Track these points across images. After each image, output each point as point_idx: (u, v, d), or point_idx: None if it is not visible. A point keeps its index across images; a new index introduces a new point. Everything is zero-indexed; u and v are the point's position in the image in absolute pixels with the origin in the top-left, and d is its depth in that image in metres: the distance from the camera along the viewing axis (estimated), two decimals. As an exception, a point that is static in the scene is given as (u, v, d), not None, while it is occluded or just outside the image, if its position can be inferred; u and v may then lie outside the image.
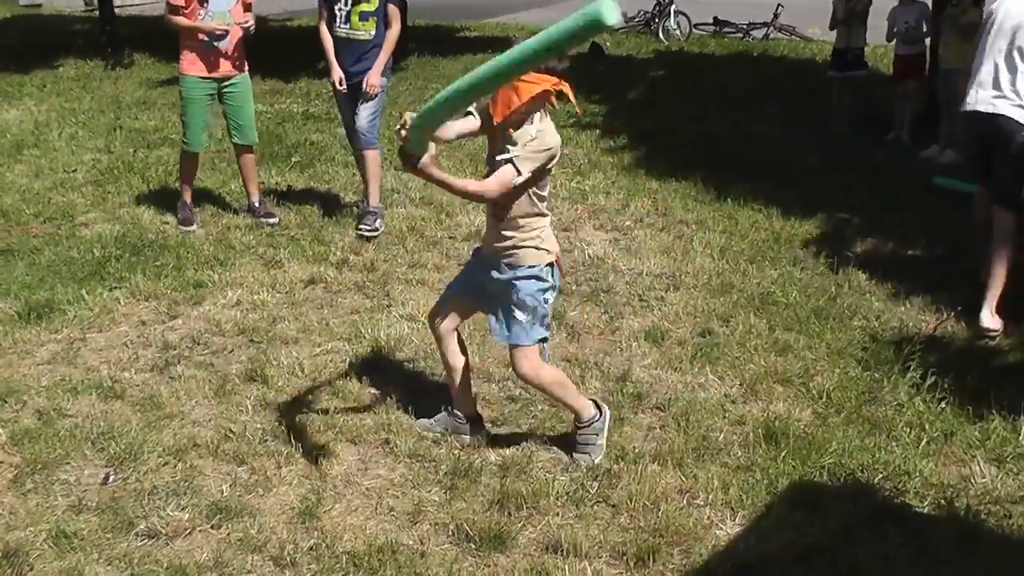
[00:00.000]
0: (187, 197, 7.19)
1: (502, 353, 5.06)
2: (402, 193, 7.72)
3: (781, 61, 14.57)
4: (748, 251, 6.51)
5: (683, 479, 4.04)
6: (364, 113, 6.81)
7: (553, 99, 3.85)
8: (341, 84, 6.77)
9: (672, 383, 4.82)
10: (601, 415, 4.20)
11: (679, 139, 9.40)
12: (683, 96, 11.56)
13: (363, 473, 4.10)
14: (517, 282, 3.97)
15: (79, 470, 4.17)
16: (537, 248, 3.97)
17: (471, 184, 4.00)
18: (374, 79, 6.68)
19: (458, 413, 4.36)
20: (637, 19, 17.38)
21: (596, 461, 4.15)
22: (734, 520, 3.82)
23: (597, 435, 4.19)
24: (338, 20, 6.67)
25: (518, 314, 3.97)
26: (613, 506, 3.87)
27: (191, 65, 6.84)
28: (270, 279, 6.09)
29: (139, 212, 7.36)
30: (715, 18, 17.38)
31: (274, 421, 4.48)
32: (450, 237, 6.80)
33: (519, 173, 3.74)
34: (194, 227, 7.01)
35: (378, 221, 6.85)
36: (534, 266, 3.97)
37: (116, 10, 15.24)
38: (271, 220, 7.17)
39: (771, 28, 17.01)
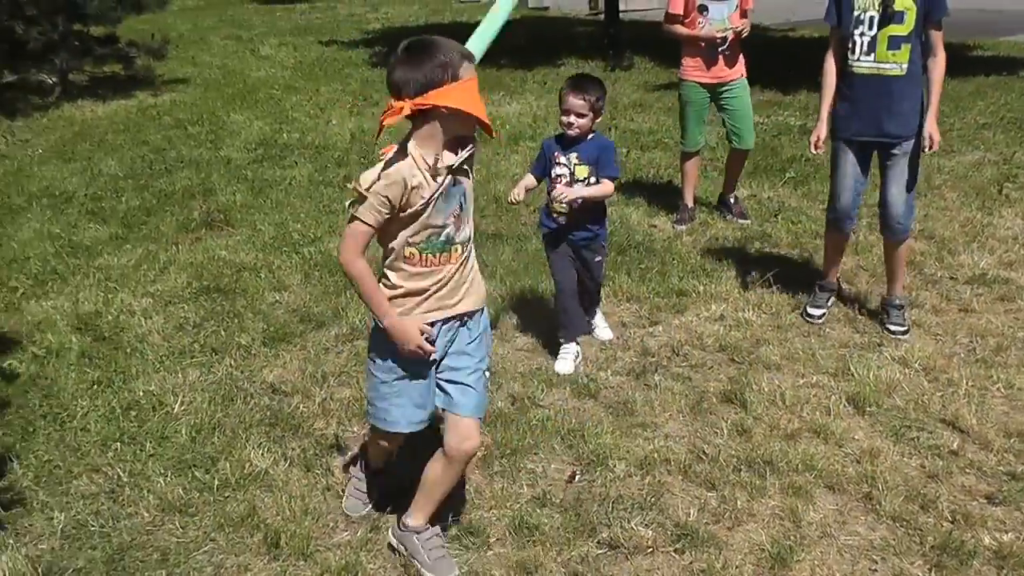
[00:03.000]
0: (688, 199, 7.29)
1: (1005, 419, 4.51)
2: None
3: None
4: None
5: None
6: (896, 188, 5.23)
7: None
8: (818, 147, 5.32)
9: None
10: (429, 531, 3.56)
11: None
12: None
13: (840, 526, 3.76)
14: None
15: (546, 462, 4.20)
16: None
17: None
18: (934, 130, 5.04)
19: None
20: None
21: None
22: None
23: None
24: (857, 50, 5.13)
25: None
26: None
27: (691, 70, 6.94)
28: (756, 297, 5.87)
29: (628, 212, 7.44)
30: None
31: (750, 449, 4.26)
32: (951, 278, 6.17)
33: None
34: (685, 227, 7.04)
35: (906, 314, 5.46)
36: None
37: (620, 15, 15.67)
38: (743, 221, 7.18)
39: None
